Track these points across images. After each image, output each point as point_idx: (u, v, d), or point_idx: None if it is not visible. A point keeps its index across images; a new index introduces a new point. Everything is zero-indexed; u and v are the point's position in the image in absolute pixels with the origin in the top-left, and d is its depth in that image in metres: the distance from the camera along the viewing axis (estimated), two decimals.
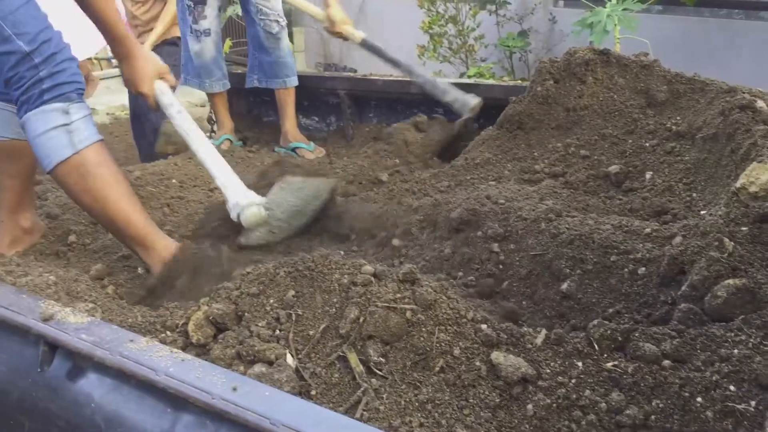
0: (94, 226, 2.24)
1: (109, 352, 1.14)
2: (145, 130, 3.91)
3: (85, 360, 1.18)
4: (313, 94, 3.81)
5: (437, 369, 1.19)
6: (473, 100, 3.05)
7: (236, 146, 3.62)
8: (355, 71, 6.48)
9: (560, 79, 2.50)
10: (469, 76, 5.01)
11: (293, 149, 3.52)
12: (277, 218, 2.09)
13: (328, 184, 2.23)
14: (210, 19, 3.45)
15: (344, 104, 3.70)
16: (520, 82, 3.54)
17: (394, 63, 3.32)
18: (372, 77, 3.69)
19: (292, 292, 1.30)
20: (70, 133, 1.86)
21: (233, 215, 2.07)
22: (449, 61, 5.56)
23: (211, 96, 3.77)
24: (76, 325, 1.23)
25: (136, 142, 4.18)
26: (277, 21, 3.53)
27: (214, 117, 3.99)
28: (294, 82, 3.61)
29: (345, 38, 3.41)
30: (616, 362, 1.19)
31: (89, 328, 1.22)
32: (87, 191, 1.86)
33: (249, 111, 4.12)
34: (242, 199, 2.06)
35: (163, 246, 1.94)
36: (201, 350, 1.29)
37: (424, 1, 5.56)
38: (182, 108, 2.16)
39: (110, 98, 7.31)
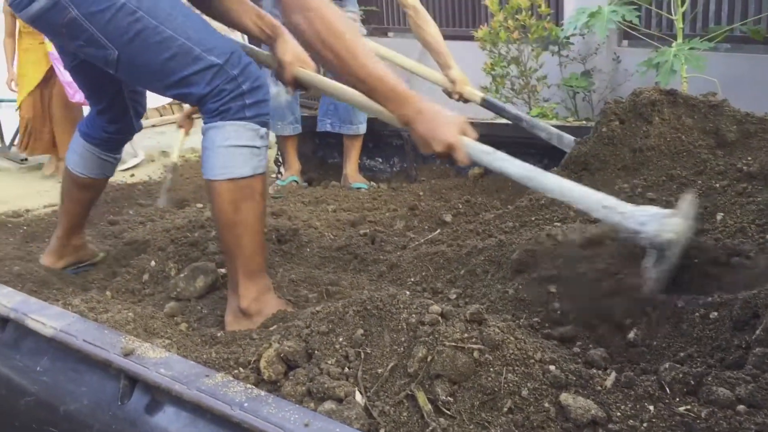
0: (163, 264, 2.32)
1: (187, 386, 1.18)
2: None
3: (163, 394, 1.22)
4: (378, 136, 3.89)
5: (505, 410, 1.20)
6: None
7: (302, 186, 3.72)
8: None
9: (626, 119, 2.49)
10: (532, 117, 5.01)
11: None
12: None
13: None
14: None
15: (407, 145, 3.76)
16: (584, 122, 3.53)
17: (517, 119, 3.22)
18: None
19: (360, 331, 1.33)
20: (256, 156, 1.89)
21: (642, 239, 1.61)
22: (512, 101, 5.57)
23: (281, 138, 3.90)
24: (154, 360, 1.28)
25: None
26: None
27: (281, 158, 4.11)
28: (364, 129, 3.72)
29: (465, 100, 3.34)
30: (689, 406, 1.17)
31: (167, 363, 1.26)
32: (239, 212, 1.88)
33: (314, 152, 4.22)
34: (643, 219, 1.62)
35: (262, 286, 1.95)
36: (272, 387, 1.32)
37: (486, 43, 5.61)
38: (505, 155, 1.82)
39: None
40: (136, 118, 2.41)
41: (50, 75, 6.07)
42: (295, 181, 3.80)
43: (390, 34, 8.10)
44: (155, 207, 3.79)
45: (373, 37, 7.69)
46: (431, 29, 3.41)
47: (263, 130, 1.91)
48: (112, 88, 2.28)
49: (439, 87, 3.36)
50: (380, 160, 4.02)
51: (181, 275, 2.14)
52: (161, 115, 9.11)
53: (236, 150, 1.86)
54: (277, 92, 3.63)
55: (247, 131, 1.87)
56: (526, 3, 5.37)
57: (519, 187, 3.05)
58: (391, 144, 3.88)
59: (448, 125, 1.77)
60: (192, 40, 1.83)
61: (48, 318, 1.47)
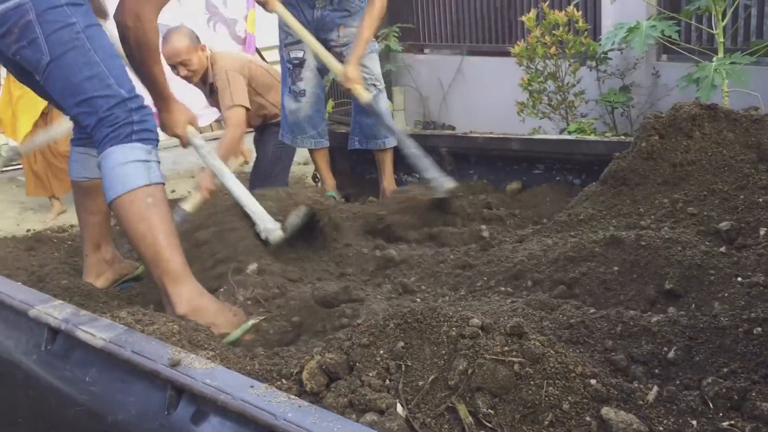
0: (200, 274, 2.36)
1: (232, 396, 1.21)
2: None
3: (208, 404, 1.25)
4: None
5: (546, 423, 1.20)
6: (449, 184, 3.07)
7: (339, 202, 3.75)
8: (453, 129, 6.58)
9: (666, 134, 2.48)
10: (570, 132, 5.00)
11: None
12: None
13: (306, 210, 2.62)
14: (306, 81, 3.68)
15: (445, 162, 3.77)
16: (623, 137, 3.51)
17: (391, 130, 3.49)
18: (472, 135, 3.76)
19: (401, 344, 1.35)
20: (148, 168, 2.13)
21: (263, 236, 2.50)
22: (549, 117, 5.56)
23: (311, 153, 3.95)
24: (200, 370, 1.31)
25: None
26: (375, 85, 3.68)
27: (318, 175, 4.15)
28: (392, 143, 3.72)
29: (353, 96, 3.48)
30: (732, 421, 1.16)
31: (212, 374, 1.29)
32: (145, 220, 2.07)
33: (352, 169, 4.26)
34: (270, 224, 2.51)
35: (192, 287, 2.11)
36: (314, 398, 1.34)
37: (523, 59, 5.61)
38: (211, 149, 2.62)
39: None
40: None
41: (47, 110, 5.80)
42: (332, 196, 3.83)
43: (426, 50, 8.14)
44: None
45: (408, 54, 7.77)
46: (367, 20, 3.45)
47: (149, 146, 2.16)
48: None
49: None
50: (417, 176, 4.04)
51: None
52: (200, 132, 9.26)
53: (129, 165, 2.10)
54: (297, 107, 3.73)
55: (136, 149, 2.13)
56: (563, 18, 5.37)
57: (557, 203, 3.06)
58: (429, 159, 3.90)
59: (182, 122, 2.42)
60: (111, 72, 2.14)
61: (97, 329, 1.51)
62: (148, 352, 1.39)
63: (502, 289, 2.09)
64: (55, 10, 2.08)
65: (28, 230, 4.73)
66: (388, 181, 3.79)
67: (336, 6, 3.60)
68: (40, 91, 2.35)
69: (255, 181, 4.34)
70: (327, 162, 3.94)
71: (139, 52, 2.19)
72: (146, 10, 2.12)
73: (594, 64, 5.51)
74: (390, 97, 7.12)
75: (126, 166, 2.10)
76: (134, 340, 1.46)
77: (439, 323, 1.35)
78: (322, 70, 3.76)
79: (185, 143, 2.48)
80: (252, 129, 4.26)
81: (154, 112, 2.32)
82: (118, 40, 2.22)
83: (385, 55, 7.21)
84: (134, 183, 2.09)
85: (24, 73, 2.27)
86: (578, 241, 2.20)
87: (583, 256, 2.08)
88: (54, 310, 1.64)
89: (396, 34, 7.40)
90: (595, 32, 5.88)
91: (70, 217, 5.39)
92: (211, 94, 3.99)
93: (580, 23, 5.38)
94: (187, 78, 3.91)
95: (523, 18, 5.62)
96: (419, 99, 7.92)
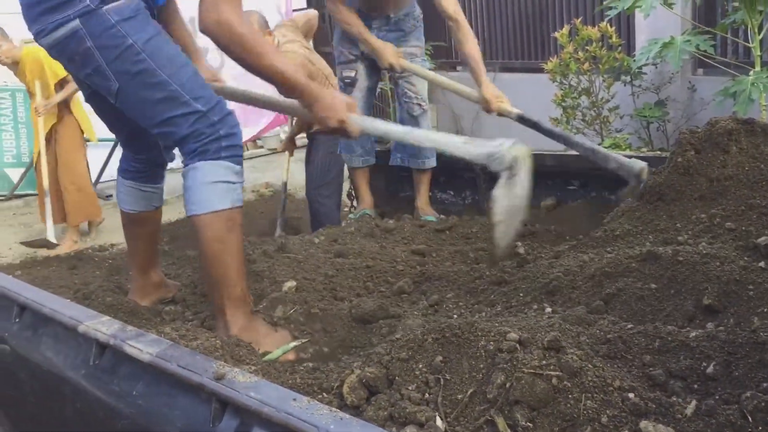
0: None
1: (275, 409, 1.24)
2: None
3: (252, 416, 1.28)
4: (450, 170, 3.93)
5: None
6: (637, 165, 2.79)
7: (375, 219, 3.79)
8: None
9: (702, 149, 2.47)
10: (605, 147, 4.98)
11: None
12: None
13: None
14: (356, 100, 3.71)
15: (479, 179, 3.79)
16: (659, 152, 3.50)
17: (552, 134, 3.31)
18: None
19: (440, 358, 1.37)
20: (233, 190, 2.10)
21: (495, 164, 2.11)
22: (583, 132, 5.55)
23: (353, 171, 4.01)
24: (244, 384, 1.34)
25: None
26: (420, 104, 3.76)
27: (353, 192, 4.20)
28: (432, 163, 3.79)
29: (501, 115, 3.46)
30: None
31: (256, 387, 1.32)
32: (221, 243, 2.07)
33: (386, 186, 4.30)
34: (495, 145, 2.12)
35: (248, 312, 2.13)
36: (355, 411, 1.37)
37: (556, 75, 5.62)
38: (382, 122, 2.42)
39: (255, 176, 7.84)
40: (166, 150, 2.51)
41: (50, 137, 5.98)
42: (368, 214, 3.87)
43: (458, 68, 8.18)
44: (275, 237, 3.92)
45: (441, 71, 7.82)
46: (470, 43, 3.50)
47: (238, 167, 2.12)
48: (130, 120, 2.35)
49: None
50: (452, 193, 4.06)
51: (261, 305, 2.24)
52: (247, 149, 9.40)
53: (215, 185, 2.07)
54: None
55: (223, 168, 2.08)
56: (596, 34, 5.37)
57: (592, 219, 3.06)
58: (463, 177, 3.92)
59: (339, 106, 2.18)
60: (183, 87, 2.06)
61: (144, 344, 1.55)
62: (194, 366, 1.43)
63: (538, 305, 2.09)
64: (109, 31, 2.03)
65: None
66: (422, 200, 3.84)
67: (392, 27, 3.71)
68: (114, 112, 2.32)
69: (311, 190, 4.46)
70: (367, 180, 4.00)
71: (242, 54, 2.06)
72: (225, 13, 2.02)
73: (628, 79, 5.50)
74: None
75: (213, 186, 2.07)
76: (180, 354, 1.50)
77: (476, 337, 1.37)
78: (373, 90, 3.84)
79: (353, 132, 2.24)
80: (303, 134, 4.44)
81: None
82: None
83: None
84: (218, 205, 2.07)
85: (95, 95, 2.29)
86: (615, 256, 2.20)
87: (619, 272, 2.08)
88: (102, 326, 1.69)
89: (428, 52, 7.45)
90: (629, 47, 5.87)
91: (110, 236, 5.52)
92: None
93: (614, 39, 5.38)
94: None
95: (556, 34, 5.65)
96: (452, 116, 7.96)
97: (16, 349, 2.04)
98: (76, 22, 2.03)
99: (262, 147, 9.56)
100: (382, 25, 3.69)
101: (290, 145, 4.96)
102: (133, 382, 1.59)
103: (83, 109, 5.93)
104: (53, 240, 5.80)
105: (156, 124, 2.13)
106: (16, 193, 7.43)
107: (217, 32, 2.03)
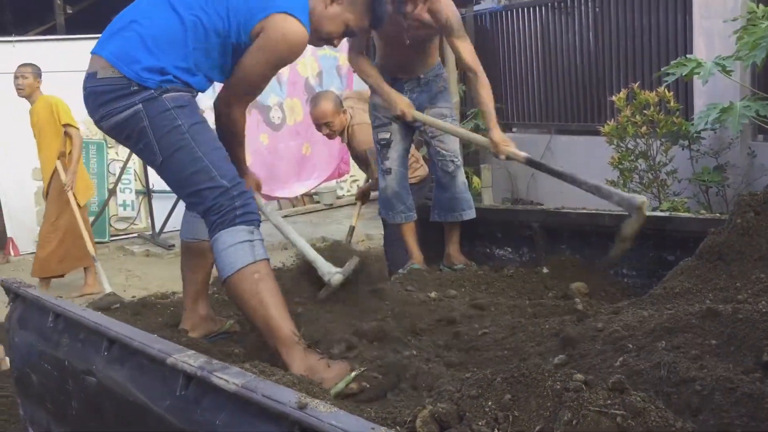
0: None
1: None
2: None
3: None
4: (507, 227, 4.03)
5: None
6: (638, 199, 3.19)
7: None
8: (542, 205, 6.66)
9: (761, 211, 2.53)
10: (662, 210, 5.01)
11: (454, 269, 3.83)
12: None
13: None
14: (392, 160, 4.00)
15: (537, 236, 3.87)
16: (717, 215, 3.54)
17: (559, 175, 3.58)
18: (564, 210, 3.86)
19: (508, 396, 1.45)
20: (252, 247, 2.37)
21: (326, 279, 2.71)
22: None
23: (397, 226, 4.16)
24: (326, 413, 1.44)
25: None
26: (453, 161, 3.97)
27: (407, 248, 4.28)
28: (470, 215, 3.95)
29: (509, 158, 3.71)
30: None
31: (337, 417, 1.43)
32: (256, 294, 2.31)
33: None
34: (331, 269, 2.71)
35: (301, 349, 2.30)
36: None
37: (613, 138, 5.69)
38: (273, 209, 2.93)
39: (311, 230, 8.05)
40: None
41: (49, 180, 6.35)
42: (418, 269, 3.97)
43: (514, 129, 8.32)
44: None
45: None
46: (485, 93, 3.76)
47: (252, 226, 2.41)
48: None
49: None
50: (509, 249, 4.14)
51: None
52: (294, 206, 9.68)
53: (235, 247, 2.35)
54: (385, 185, 4.03)
55: (240, 231, 2.37)
56: (654, 98, 5.45)
57: (653, 276, 3.10)
58: (521, 234, 4.00)
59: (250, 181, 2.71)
60: (213, 164, 2.41)
61: (230, 376, 1.68)
62: (278, 396, 1.54)
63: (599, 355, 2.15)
64: (163, 114, 2.39)
65: (133, 296, 5.07)
66: (453, 248, 4.01)
67: (423, 88, 3.96)
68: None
69: (387, 254, 4.60)
70: (414, 235, 4.11)
71: (227, 134, 2.58)
72: (235, 105, 2.56)
73: (686, 143, 5.53)
74: (478, 174, 7.30)
75: (233, 248, 2.35)
76: (264, 386, 1.61)
77: (543, 378, 1.45)
78: (407, 150, 4.06)
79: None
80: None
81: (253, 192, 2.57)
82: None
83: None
84: (241, 262, 2.33)
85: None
86: (674, 313, 2.25)
87: (679, 327, 2.12)
88: (189, 359, 1.82)
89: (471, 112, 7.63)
90: (687, 112, 5.91)
91: (173, 285, 5.72)
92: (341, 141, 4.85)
93: (672, 103, 5.44)
94: (328, 136, 4.59)
95: (614, 98, 5.73)
96: (507, 176, 8.06)
97: (102, 380, 2.19)
98: (140, 106, 2.39)
99: (318, 203, 9.81)
100: (414, 87, 3.94)
101: (363, 196, 5.33)
102: (218, 413, 1.70)
103: (85, 172, 6.69)
104: (107, 287, 6.10)
105: (187, 195, 2.48)
106: None
107: (225, 111, 2.60)
